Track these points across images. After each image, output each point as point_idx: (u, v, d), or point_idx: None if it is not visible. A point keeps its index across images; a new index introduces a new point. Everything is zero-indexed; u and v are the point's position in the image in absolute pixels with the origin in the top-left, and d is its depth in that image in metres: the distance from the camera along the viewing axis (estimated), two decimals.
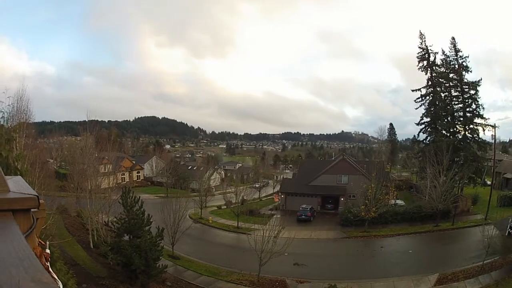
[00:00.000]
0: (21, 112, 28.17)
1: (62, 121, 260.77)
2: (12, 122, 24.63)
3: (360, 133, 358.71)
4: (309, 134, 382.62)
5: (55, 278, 1.73)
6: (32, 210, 1.84)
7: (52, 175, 43.79)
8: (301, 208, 54.18)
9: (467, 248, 34.87)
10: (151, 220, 28.49)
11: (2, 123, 16.15)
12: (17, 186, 2.00)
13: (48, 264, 2.16)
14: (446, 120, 60.96)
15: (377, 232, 43.96)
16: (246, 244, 32.15)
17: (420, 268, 30.74)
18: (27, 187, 2.07)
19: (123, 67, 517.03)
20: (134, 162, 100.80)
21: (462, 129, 59.97)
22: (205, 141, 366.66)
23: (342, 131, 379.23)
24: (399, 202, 53.86)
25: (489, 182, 55.68)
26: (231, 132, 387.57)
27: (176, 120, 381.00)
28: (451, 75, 60.36)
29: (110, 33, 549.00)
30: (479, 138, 58.87)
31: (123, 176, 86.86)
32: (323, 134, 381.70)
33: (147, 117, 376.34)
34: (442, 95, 61.63)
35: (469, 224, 43.19)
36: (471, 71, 59.61)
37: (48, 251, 2.46)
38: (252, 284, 29.99)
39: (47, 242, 2.83)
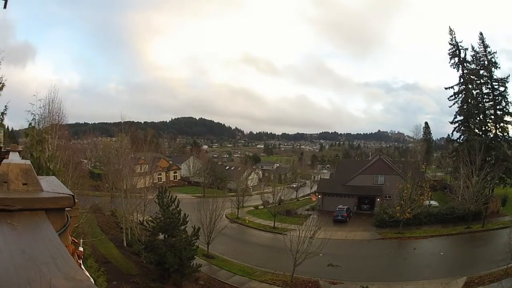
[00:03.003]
0: (53, 114, 28.82)
1: (96, 122, 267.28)
2: (44, 124, 25.25)
3: (396, 132, 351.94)
4: (346, 133, 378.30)
5: (87, 275, 1.75)
6: (66, 208, 1.87)
7: (86, 175, 44.64)
8: (337, 209, 53.73)
9: (495, 250, 33.92)
10: (187, 219, 28.75)
11: (33, 125, 16.53)
12: (51, 185, 2.04)
13: (81, 262, 2.21)
14: (478, 118, 59.25)
15: (411, 233, 43.25)
16: (282, 244, 31.89)
17: (450, 271, 30.17)
18: (62, 186, 2.10)
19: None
20: (171, 162, 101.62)
21: (493, 127, 58.40)
22: (242, 142, 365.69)
23: (379, 130, 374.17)
24: (433, 203, 52.72)
25: None
26: (268, 132, 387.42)
27: (213, 121, 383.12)
28: (481, 71, 58.65)
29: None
30: (509, 136, 57.33)
31: (160, 176, 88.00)
32: (360, 134, 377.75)
33: (184, 117, 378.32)
34: (474, 92, 59.91)
35: (498, 226, 42.06)
36: (499, 67, 57.95)
37: (81, 249, 2.52)
38: (285, 284, 29.84)
39: (81, 240, 2.90)
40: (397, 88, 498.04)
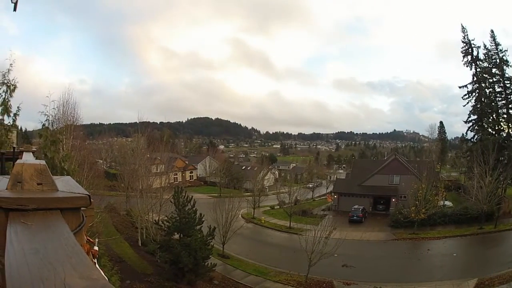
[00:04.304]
0: (68, 115, 29.18)
1: (112, 123, 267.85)
2: (58, 125, 25.57)
3: (411, 132, 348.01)
4: (362, 133, 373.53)
5: (102, 275, 1.75)
6: (81, 208, 1.88)
7: (101, 175, 45.05)
8: (353, 209, 53.62)
9: (506, 252, 33.92)
10: (203, 219, 28.80)
11: (47, 125, 16.77)
12: (67, 185, 2.04)
13: (95, 261, 2.22)
14: (491, 117, 58.79)
15: (425, 234, 43.13)
16: (297, 245, 31.75)
17: (462, 272, 30.01)
18: (78, 186, 2.10)
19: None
20: (187, 162, 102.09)
21: (506, 126, 57.79)
22: (259, 141, 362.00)
23: (394, 130, 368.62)
24: (447, 203, 52.31)
25: None
26: (285, 132, 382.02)
27: (229, 121, 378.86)
28: (493, 70, 58.19)
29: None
30: None
31: (176, 176, 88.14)
32: (376, 133, 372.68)
33: (200, 118, 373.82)
34: (487, 91, 59.39)
35: (510, 227, 41.87)
36: (510, 66, 57.27)
37: (96, 248, 2.53)
38: (299, 284, 29.79)
39: (96, 240, 2.91)
40: (406, 86, 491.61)
